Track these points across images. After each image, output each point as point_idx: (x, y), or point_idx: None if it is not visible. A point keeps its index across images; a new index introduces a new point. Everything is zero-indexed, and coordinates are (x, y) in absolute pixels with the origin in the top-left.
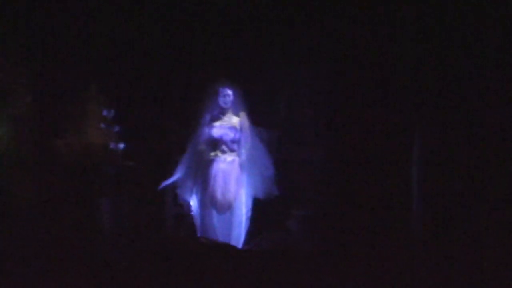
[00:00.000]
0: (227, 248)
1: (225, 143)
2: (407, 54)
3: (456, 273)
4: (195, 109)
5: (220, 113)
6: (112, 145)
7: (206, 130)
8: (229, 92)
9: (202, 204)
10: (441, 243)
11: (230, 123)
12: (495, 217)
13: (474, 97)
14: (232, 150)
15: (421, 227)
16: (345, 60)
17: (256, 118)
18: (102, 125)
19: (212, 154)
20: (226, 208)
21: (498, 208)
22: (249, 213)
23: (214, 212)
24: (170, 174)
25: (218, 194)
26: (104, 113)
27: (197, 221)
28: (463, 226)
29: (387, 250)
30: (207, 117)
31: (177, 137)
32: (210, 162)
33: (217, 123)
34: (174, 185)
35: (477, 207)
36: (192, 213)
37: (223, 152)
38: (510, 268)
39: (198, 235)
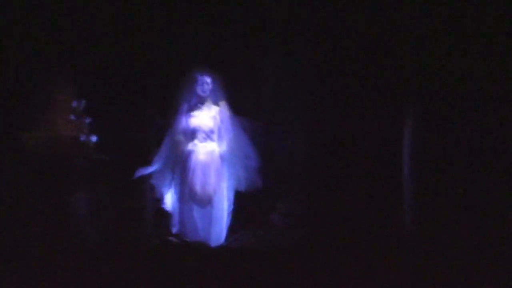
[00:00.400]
0: (199, 247)
1: (204, 133)
2: (397, 44)
3: (445, 273)
4: (172, 98)
5: (198, 102)
6: (83, 138)
7: (184, 120)
8: (208, 79)
9: (181, 197)
10: (432, 237)
11: (209, 113)
12: (489, 216)
13: (469, 93)
14: (211, 141)
15: (412, 221)
16: (333, 46)
17: (238, 106)
18: (72, 117)
19: (191, 145)
20: (206, 202)
21: (493, 207)
22: (231, 207)
23: (193, 206)
24: (148, 166)
25: (197, 187)
26: (74, 104)
27: (176, 216)
28: (454, 223)
29: (378, 246)
30: (185, 106)
31: (154, 128)
32: (188, 154)
33: (195, 113)
34: (151, 178)
35: (471, 207)
36: (170, 208)
37: (202, 142)
38: (506, 269)
39: (177, 230)
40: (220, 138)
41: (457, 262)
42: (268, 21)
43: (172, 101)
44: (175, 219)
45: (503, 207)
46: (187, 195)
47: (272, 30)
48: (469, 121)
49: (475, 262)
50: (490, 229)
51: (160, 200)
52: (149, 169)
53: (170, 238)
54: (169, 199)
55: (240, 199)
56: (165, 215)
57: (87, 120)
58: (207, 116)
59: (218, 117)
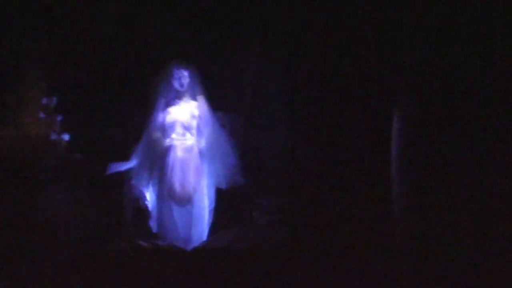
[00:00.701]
0: (171, 251)
1: (182, 129)
2: (381, 33)
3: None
4: (148, 93)
5: (176, 97)
6: (54, 136)
7: (161, 115)
8: (185, 73)
9: (159, 196)
10: (420, 232)
11: (187, 108)
12: (481, 214)
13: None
14: (190, 137)
15: (400, 217)
16: (316, 38)
17: (217, 101)
18: (42, 115)
19: (168, 141)
20: (186, 200)
21: (484, 204)
22: (213, 205)
23: (173, 205)
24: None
25: (177, 186)
26: (44, 101)
27: (155, 215)
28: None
29: (364, 244)
30: (162, 101)
31: (132, 125)
32: (166, 151)
33: (173, 108)
34: (129, 177)
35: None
36: (150, 207)
37: (180, 139)
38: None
39: (157, 230)
40: (199, 134)
41: (447, 260)
42: (248, 12)
43: (149, 97)
44: (155, 219)
45: (495, 205)
46: (166, 193)
47: (252, 21)
48: (459, 118)
49: (466, 260)
50: (481, 226)
51: (139, 199)
52: (124, 166)
53: (142, 241)
54: (148, 198)
55: (222, 197)
56: (144, 215)
57: (59, 118)
58: (185, 112)
59: (196, 113)
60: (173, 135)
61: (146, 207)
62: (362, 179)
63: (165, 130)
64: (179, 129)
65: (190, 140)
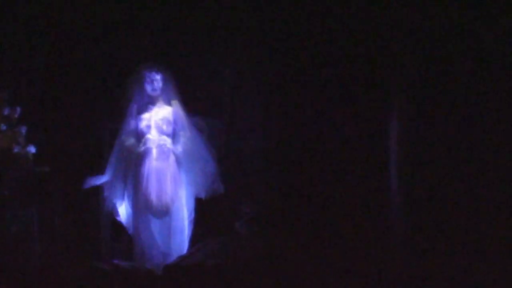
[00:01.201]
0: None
1: (156, 136)
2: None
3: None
4: (118, 99)
5: (148, 103)
6: (17, 149)
7: (133, 123)
8: (157, 76)
9: (135, 209)
10: (416, 236)
11: (161, 114)
12: (480, 212)
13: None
14: (165, 145)
15: (391, 226)
16: (298, 39)
17: (192, 106)
18: (3, 127)
19: (142, 150)
20: (164, 212)
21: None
22: (192, 216)
23: (150, 217)
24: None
25: (153, 197)
26: (6, 112)
27: (132, 229)
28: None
29: (356, 254)
30: (134, 107)
31: (101, 134)
32: (140, 160)
33: (145, 115)
34: (101, 189)
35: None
36: (123, 221)
37: (155, 147)
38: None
39: (134, 244)
40: (175, 141)
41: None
42: (227, 13)
43: (121, 102)
44: (131, 232)
45: (495, 204)
46: (142, 205)
47: (231, 23)
48: (454, 116)
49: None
50: (479, 225)
51: (112, 213)
52: (101, 179)
53: (117, 261)
54: (124, 211)
55: (201, 206)
56: (119, 230)
57: (23, 130)
58: (159, 118)
59: (171, 118)
60: (148, 143)
61: (120, 221)
62: (347, 183)
63: (139, 137)
64: (154, 131)
65: (165, 148)
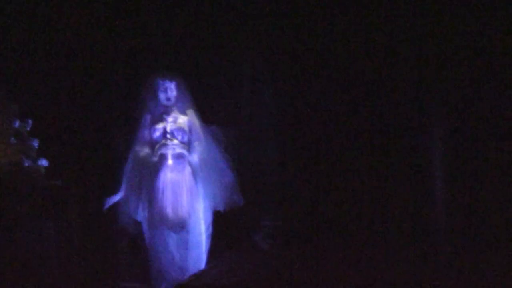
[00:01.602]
0: None
1: (171, 147)
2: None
3: None
4: (132, 109)
5: (163, 113)
6: (27, 163)
7: (147, 133)
8: (171, 85)
9: (150, 223)
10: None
11: (176, 124)
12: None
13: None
14: (181, 156)
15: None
16: (315, 48)
17: (209, 115)
18: (12, 140)
19: (157, 161)
20: (180, 226)
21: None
22: (210, 230)
23: (166, 232)
24: (110, 190)
25: (168, 210)
26: (16, 124)
27: (147, 244)
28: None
29: (384, 273)
30: (148, 118)
31: (116, 146)
32: (155, 172)
33: (159, 125)
34: (117, 204)
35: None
36: (140, 236)
37: (170, 158)
38: None
39: (151, 260)
40: (190, 151)
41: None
42: (243, 20)
43: (133, 114)
44: (147, 248)
45: None
46: (157, 220)
47: (248, 30)
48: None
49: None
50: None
51: (128, 228)
52: (117, 195)
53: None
54: (139, 226)
55: (219, 220)
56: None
57: (34, 143)
58: (175, 128)
59: (186, 128)
60: (162, 155)
61: (137, 237)
62: (369, 195)
63: (153, 146)
64: (168, 147)
65: (181, 159)
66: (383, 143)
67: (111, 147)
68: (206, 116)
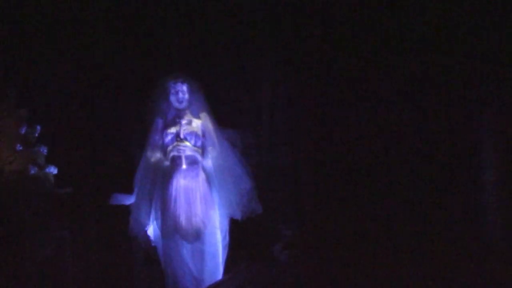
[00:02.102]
0: None
1: (184, 152)
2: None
3: None
4: (143, 113)
5: (175, 116)
6: (33, 170)
7: (159, 138)
8: (183, 87)
9: (164, 233)
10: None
11: (189, 128)
12: None
13: None
14: (194, 161)
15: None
16: (333, 50)
17: (224, 118)
18: (19, 147)
19: (169, 167)
20: (194, 236)
21: None
22: (227, 240)
23: (180, 242)
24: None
25: (182, 219)
26: (23, 130)
27: (161, 255)
28: None
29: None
30: (160, 122)
31: (128, 150)
32: (168, 179)
33: (172, 129)
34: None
35: None
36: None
37: (183, 164)
38: None
39: (165, 271)
40: (205, 157)
41: None
42: (259, 23)
43: (144, 118)
44: (161, 259)
45: None
46: (171, 229)
47: (264, 34)
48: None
49: None
50: None
51: (141, 237)
52: (129, 199)
53: None
54: (152, 235)
55: (236, 229)
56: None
57: (43, 149)
58: (188, 133)
59: (200, 132)
60: (175, 160)
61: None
62: (389, 203)
63: (165, 155)
64: (181, 152)
65: (195, 165)
66: (406, 149)
67: (123, 153)
68: (221, 119)
